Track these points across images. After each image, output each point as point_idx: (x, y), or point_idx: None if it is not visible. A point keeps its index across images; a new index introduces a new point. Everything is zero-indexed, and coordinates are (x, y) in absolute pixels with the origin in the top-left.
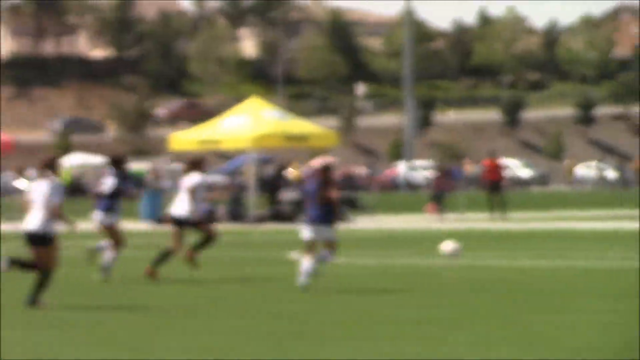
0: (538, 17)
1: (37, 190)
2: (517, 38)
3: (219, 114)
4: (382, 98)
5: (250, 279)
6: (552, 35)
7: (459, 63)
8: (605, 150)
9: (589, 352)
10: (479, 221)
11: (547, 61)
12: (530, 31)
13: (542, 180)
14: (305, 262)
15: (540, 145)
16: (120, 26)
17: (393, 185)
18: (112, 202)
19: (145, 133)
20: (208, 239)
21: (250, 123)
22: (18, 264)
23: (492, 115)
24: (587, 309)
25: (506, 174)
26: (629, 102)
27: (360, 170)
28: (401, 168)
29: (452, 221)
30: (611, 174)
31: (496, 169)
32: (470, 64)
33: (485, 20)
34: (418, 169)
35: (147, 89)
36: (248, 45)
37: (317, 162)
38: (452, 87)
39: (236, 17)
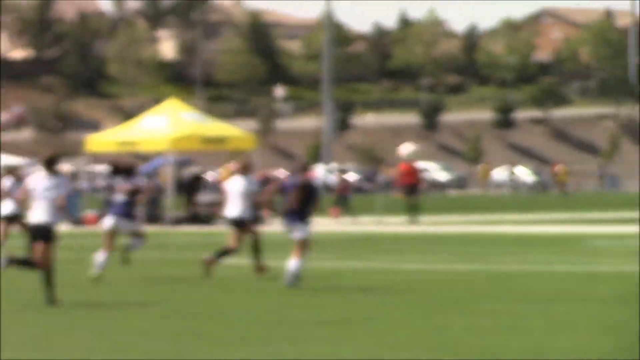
0: (458, 21)
1: (40, 185)
2: (437, 41)
3: (136, 115)
4: (300, 101)
5: (166, 280)
6: (472, 39)
7: (379, 66)
8: (524, 154)
9: (497, 353)
10: (395, 225)
11: (467, 64)
12: (450, 34)
13: (459, 183)
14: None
15: (459, 148)
16: (39, 27)
17: None
18: (129, 207)
19: (63, 134)
20: (256, 243)
21: (168, 125)
22: (17, 262)
23: (411, 118)
24: (497, 311)
25: (423, 177)
26: (549, 106)
27: (280, 173)
28: (319, 171)
29: (368, 224)
30: (529, 177)
31: (413, 172)
32: (390, 67)
33: (405, 23)
34: (336, 172)
35: (65, 89)
36: (167, 46)
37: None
38: (371, 90)
39: (155, 19)
